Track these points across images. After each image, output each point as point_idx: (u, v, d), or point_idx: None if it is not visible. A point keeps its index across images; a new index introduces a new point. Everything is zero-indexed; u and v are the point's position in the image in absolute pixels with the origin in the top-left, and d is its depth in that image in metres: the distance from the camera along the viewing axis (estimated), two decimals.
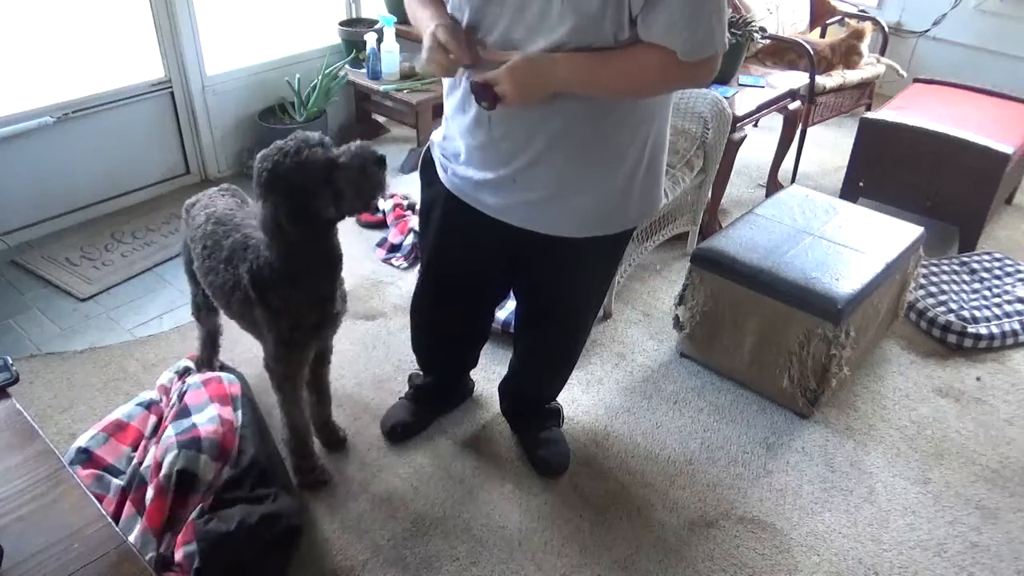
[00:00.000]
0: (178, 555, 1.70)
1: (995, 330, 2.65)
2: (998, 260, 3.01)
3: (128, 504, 1.83)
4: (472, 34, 1.45)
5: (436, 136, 1.77)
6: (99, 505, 1.17)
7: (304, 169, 1.55)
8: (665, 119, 1.61)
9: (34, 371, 2.39)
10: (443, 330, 2.08)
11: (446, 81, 1.62)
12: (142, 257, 2.95)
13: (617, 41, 1.37)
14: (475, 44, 1.45)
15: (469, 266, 1.87)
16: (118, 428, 2.02)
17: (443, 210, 1.76)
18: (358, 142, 1.62)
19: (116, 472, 1.93)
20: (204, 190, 2.08)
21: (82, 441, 1.96)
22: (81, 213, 3.15)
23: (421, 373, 2.27)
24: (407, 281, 2.83)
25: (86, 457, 1.93)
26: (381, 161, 1.59)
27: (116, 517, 1.81)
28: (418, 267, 2.82)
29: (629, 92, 1.47)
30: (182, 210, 2.07)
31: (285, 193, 1.58)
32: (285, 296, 1.74)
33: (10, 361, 1.39)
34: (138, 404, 2.11)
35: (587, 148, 1.54)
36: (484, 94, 1.41)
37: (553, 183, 1.57)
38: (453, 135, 1.66)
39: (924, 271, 2.86)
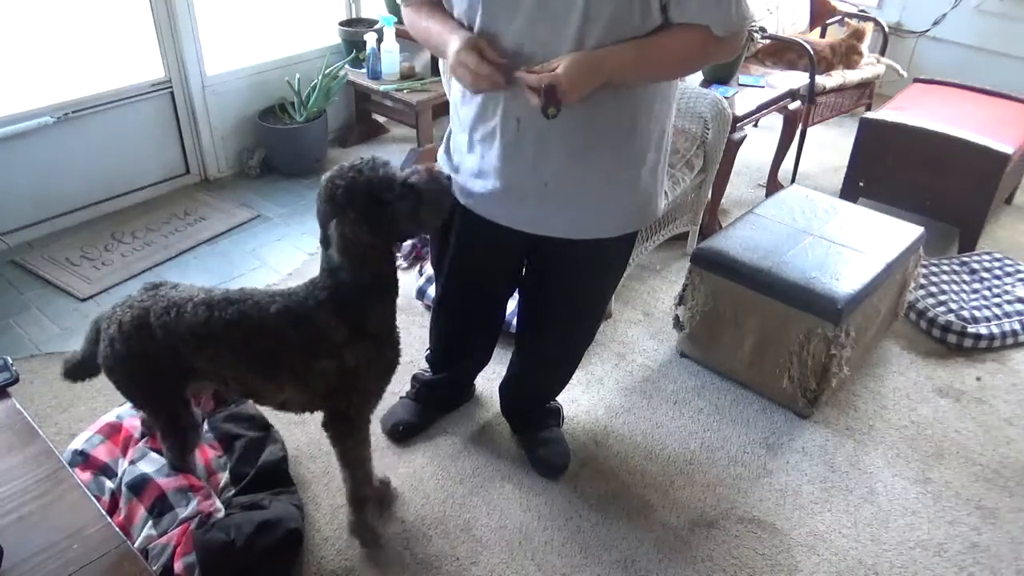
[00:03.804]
0: (178, 566, 1.69)
1: (995, 330, 2.65)
2: (998, 260, 3.01)
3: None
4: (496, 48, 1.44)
5: (441, 156, 1.75)
6: (99, 505, 1.17)
7: (384, 180, 1.51)
8: (673, 108, 1.65)
9: (34, 371, 2.39)
10: (466, 329, 2.08)
11: (462, 93, 1.60)
12: (142, 257, 2.95)
13: (645, 30, 1.41)
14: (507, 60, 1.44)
15: (492, 270, 1.89)
16: (113, 430, 2.01)
17: (461, 226, 1.76)
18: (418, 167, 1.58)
19: (111, 473, 1.93)
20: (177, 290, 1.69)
21: (78, 443, 1.95)
22: (81, 213, 3.14)
23: (428, 372, 2.26)
24: (407, 281, 2.83)
25: (82, 459, 1.92)
26: (448, 179, 1.57)
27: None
28: (418, 267, 2.85)
29: (676, 72, 1.55)
30: (120, 330, 1.60)
31: (367, 205, 1.50)
32: (377, 327, 1.64)
33: (10, 361, 1.39)
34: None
35: (621, 144, 1.55)
36: (550, 99, 1.39)
37: (587, 184, 1.58)
38: (471, 148, 1.63)
39: (924, 271, 2.86)
